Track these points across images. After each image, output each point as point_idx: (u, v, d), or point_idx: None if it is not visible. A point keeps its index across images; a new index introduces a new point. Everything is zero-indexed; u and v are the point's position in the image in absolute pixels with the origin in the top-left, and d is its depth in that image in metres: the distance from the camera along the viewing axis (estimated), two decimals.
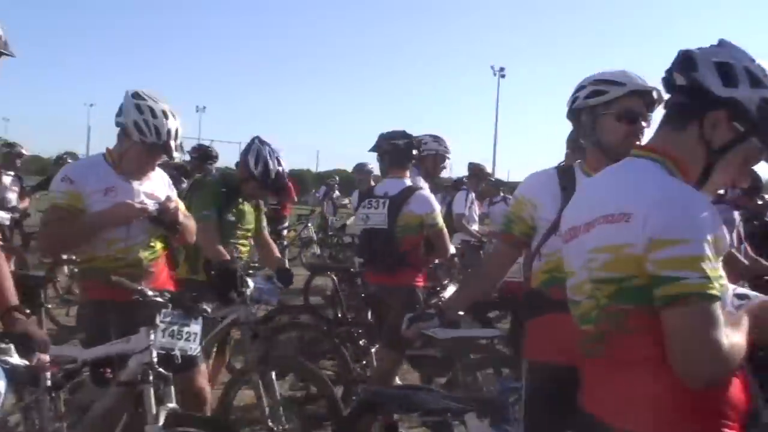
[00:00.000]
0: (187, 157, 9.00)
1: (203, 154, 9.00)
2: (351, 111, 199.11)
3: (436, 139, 6.44)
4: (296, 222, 16.31)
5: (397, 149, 5.17)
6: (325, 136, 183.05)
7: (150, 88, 3.79)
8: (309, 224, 15.96)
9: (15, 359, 2.58)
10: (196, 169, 8.66)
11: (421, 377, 5.52)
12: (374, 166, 12.83)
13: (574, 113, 2.95)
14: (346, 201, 17.50)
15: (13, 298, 2.83)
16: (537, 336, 2.97)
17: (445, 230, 5.20)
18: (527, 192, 3.06)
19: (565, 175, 3.01)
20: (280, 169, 4.83)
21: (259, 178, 4.77)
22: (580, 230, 1.99)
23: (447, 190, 10.01)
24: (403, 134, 5.22)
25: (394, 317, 4.91)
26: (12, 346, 2.58)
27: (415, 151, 5.25)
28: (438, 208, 5.21)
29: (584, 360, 2.05)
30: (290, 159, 4.79)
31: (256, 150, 4.81)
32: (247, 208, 4.96)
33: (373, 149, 5.31)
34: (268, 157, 4.78)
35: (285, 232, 14.05)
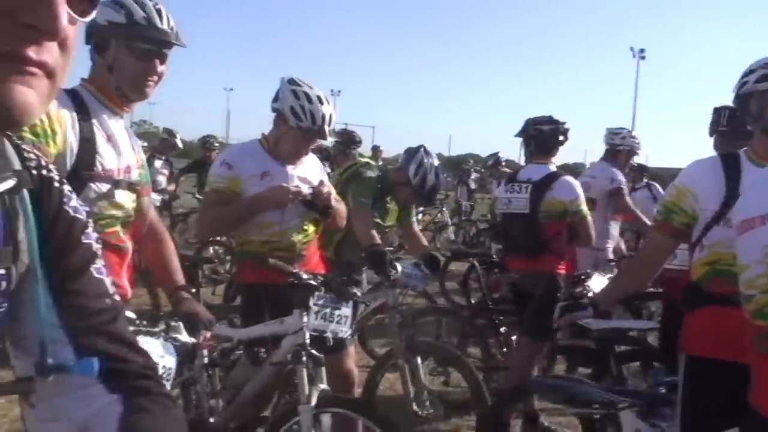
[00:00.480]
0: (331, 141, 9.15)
1: (347, 139, 9.10)
2: (484, 94, 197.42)
3: (633, 135, 6.52)
4: (430, 206, 16.33)
5: (542, 134, 5.08)
6: (458, 120, 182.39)
7: (287, 71, 3.87)
8: (443, 209, 15.96)
9: (183, 336, 2.71)
10: (340, 154, 8.79)
11: (567, 368, 5.44)
12: (504, 155, 12.78)
13: (741, 99, 2.80)
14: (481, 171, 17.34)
15: (180, 277, 2.96)
16: (698, 330, 2.84)
17: (590, 218, 5.08)
18: (688, 181, 2.92)
19: (729, 163, 2.86)
20: (437, 182, 4.87)
21: (415, 187, 4.80)
22: (755, 222, 1.89)
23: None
24: (550, 119, 5.13)
25: (536, 305, 4.87)
26: (181, 324, 2.71)
27: (561, 137, 5.15)
28: (582, 195, 5.09)
29: (758, 357, 1.95)
30: (422, 143, 4.86)
31: (419, 160, 4.82)
32: (393, 207, 4.98)
33: (518, 134, 5.24)
34: (428, 170, 4.80)
35: (420, 216, 14.11)
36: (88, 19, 0.88)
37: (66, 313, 1.08)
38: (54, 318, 1.07)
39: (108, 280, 1.17)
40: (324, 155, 8.13)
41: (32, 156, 1.07)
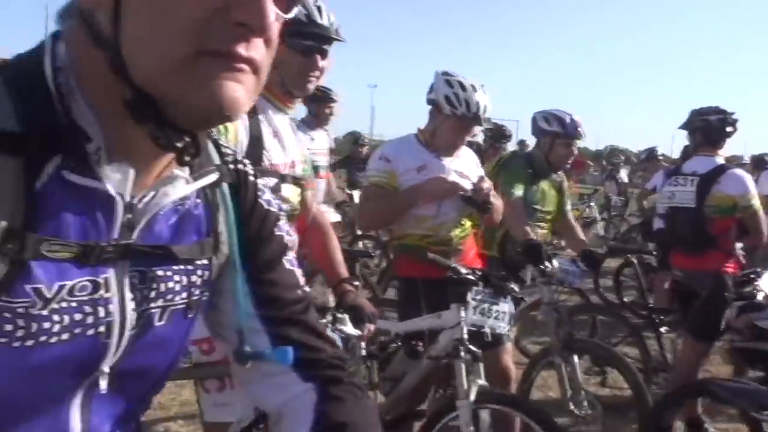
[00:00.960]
0: (482, 135, 9.08)
1: (497, 133, 9.04)
2: (632, 86, 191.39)
3: None
4: (578, 201, 15.94)
5: (709, 126, 4.87)
6: (605, 111, 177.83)
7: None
8: (592, 203, 15.55)
9: (349, 328, 2.74)
10: (490, 148, 8.72)
11: (735, 371, 5.16)
12: (659, 147, 12.28)
13: None
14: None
15: (344, 269, 3.00)
16: None
17: (762, 213, 4.80)
18: None
19: None
20: (571, 116, 4.79)
21: (561, 132, 4.74)
22: None
23: (744, 168, 9.25)
24: (717, 110, 4.90)
25: (702, 304, 4.64)
26: (347, 317, 2.75)
27: (729, 128, 4.89)
28: (754, 188, 4.81)
29: None
30: None
31: (542, 115, 4.83)
32: (549, 190, 4.90)
33: (683, 126, 5.04)
34: (556, 113, 4.79)
35: None
36: (290, 15, 0.89)
37: (261, 303, 1.11)
38: (250, 307, 1.10)
39: (299, 272, 1.18)
40: (475, 150, 8.08)
41: (229, 151, 1.10)
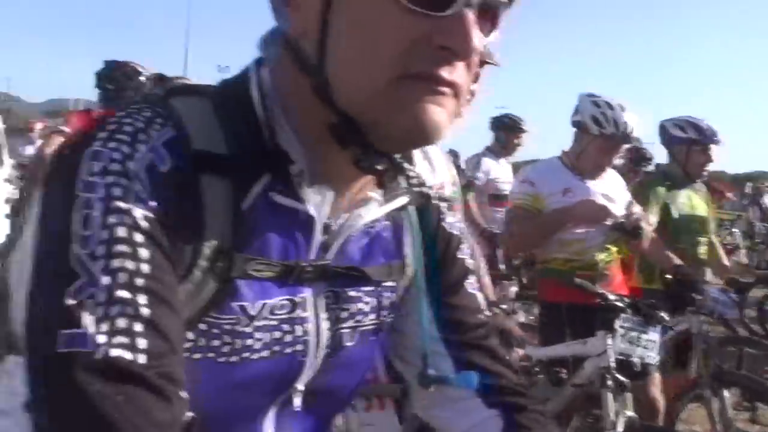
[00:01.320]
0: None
1: (637, 156, 8.75)
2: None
3: None
4: (718, 227, 15.25)
5: None
6: (743, 132, 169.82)
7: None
8: (734, 230, 14.85)
9: None
10: (630, 172, 8.44)
11: None
12: None
13: None
14: None
15: (491, 292, 2.98)
16: None
17: None
18: None
19: None
20: (707, 122, 4.53)
21: (698, 138, 4.46)
22: None
23: None
24: None
25: None
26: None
27: None
28: None
29: None
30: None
31: (673, 123, 4.58)
32: (695, 199, 4.63)
33: None
34: (688, 119, 4.55)
35: None
36: (491, 39, 0.89)
37: (445, 327, 1.10)
38: (434, 331, 1.09)
39: (481, 296, 1.17)
40: None
41: (413, 174, 1.10)
